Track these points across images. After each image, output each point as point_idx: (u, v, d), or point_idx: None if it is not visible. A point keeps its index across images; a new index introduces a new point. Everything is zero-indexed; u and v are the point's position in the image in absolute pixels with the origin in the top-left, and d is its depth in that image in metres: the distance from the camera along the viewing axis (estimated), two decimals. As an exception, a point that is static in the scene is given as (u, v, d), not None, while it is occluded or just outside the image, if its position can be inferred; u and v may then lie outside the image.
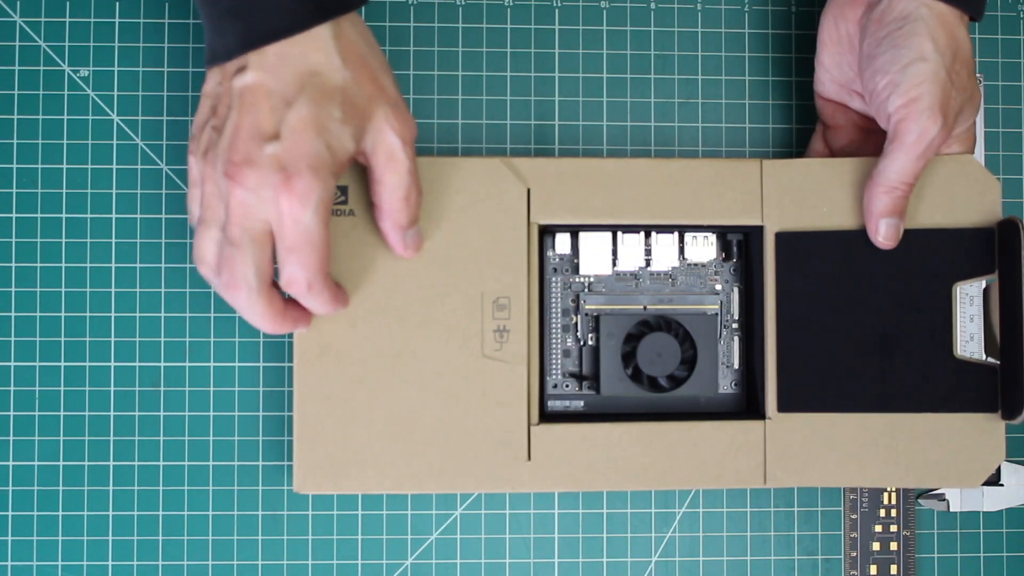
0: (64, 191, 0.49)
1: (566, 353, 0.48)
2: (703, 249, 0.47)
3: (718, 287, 0.48)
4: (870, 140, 0.47)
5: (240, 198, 0.37)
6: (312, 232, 0.37)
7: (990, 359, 0.46)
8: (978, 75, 0.52)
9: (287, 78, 0.37)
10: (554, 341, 0.48)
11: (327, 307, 0.41)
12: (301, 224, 0.37)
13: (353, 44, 0.38)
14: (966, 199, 0.44)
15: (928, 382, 0.44)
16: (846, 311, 0.44)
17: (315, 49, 0.37)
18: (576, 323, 0.48)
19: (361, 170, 0.43)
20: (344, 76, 0.38)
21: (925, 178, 0.44)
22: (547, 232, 0.47)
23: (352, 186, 0.43)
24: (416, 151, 0.41)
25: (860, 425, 0.44)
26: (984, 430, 0.44)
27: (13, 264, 0.49)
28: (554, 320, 0.48)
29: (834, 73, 0.47)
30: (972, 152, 0.45)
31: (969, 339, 0.46)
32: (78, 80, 0.49)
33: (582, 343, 0.48)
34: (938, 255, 0.44)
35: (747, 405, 0.48)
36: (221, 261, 0.38)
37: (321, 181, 0.37)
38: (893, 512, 0.51)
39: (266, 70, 0.37)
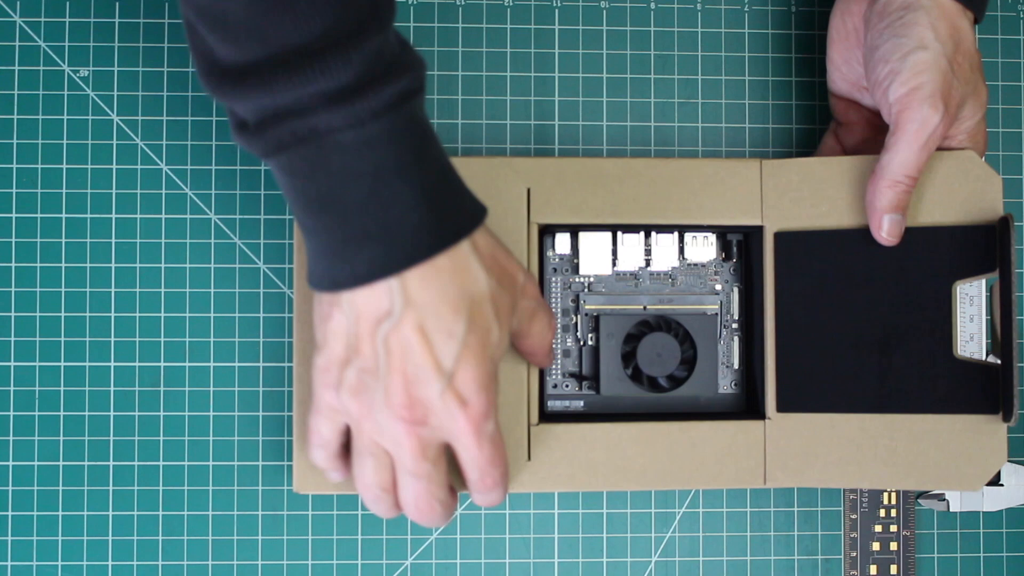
0: (64, 191, 0.49)
1: (566, 353, 0.48)
2: (703, 249, 0.47)
3: (718, 287, 0.48)
4: (882, 137, 0.47)
5: (418, 435, 0.37)
6: (497, 438, 0.38)
7: (991, 359, 0.45)
8: (978, 75, 0.52)
9: (442, 310, 0.35)
10: (554, 341, 0.48)
11: (502, 496, 0.40)
12: (486, 436, 0.37)
13: (485, 248, 0.37)
14: (966, 196, 0.43)
15: (928, 383, 0.43)
16: (845, 311, 0.44)
17: (460, 270, 0.35)
18: (576, 323, 0.48)
19: None
20: (489, 285, 0.37)
21: (925, 175, 0.43)
22: (547, 232, 0.47)
23: None
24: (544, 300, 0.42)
25: (859, 426, 0.44)
26: (985, 432, 0.43)
27: (13, 264, 0.49)
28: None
29: (844, 70, 0.47)
30: (984, 151, 0.45)
31: (969, 339, 0.45)
32: (78, 80, 0.49)
33: (582, 343, 0.48)
34: (938, 253, 0.43)
35: (747, 405, 0.48)
36: (404, 490, 0.38)
37: (494, 392, 0.37)
38: (893, 512, 0.51)
39: (417, 309, 0.35)
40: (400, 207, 0.34)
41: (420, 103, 0.35)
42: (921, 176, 0.43)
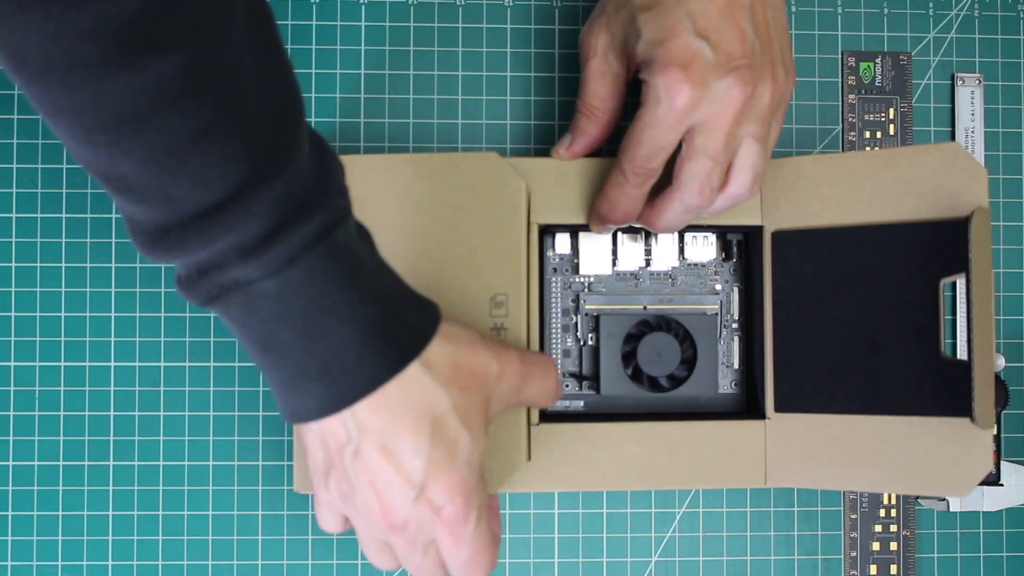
0: (64, 191, 0.49)
1: (566, 353, 0.48)
2: (703, 249, 0.47)
3: (718, 287, 0.48)
4: None
5: (404, 537, 0.37)
6: (479, 537, 0.37)
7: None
8: (977, 75, 0.52)
9: (400, 432, 0.35)
10: (554, 341, 0.48)
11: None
12: (465, 538, 0.37)
13: (441, 359, 0.36)
14: (952, 190, 0.42)
15: (914, 384, 0.42)
16: (837, 310, 0.44)
17: (411, 393, 0.35)
18: (576, 323, 0.48)
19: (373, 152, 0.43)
20: (450, 398, 0.35)
21: (909, 168, 0.42)
22: (547, 232, 0.47)
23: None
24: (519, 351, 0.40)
25: (850, 427, 0.43)
26: (970, 435, 0.41)
27: (13, 264, 0.49)
28: (554, 320, 0.48)
29: None
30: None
31: (952, 338, 0.44)
32: (78, 80, 0.49)
33: (582, 343, 0.48)
34: (924, 249, 0.42)
35: (747, 405, 0.48)
36: (407, 566, 0.39)
37: (473, 495, 0.36)
38: (893, 512, 0.51)
39: (373, 434, 0.35)
40: (335, 345, 0.33)
41: (343, 233, 0.33)
42: (906, 170, 0.42)
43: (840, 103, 0.52)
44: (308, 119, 0.49)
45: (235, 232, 0.31)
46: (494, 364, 0.38)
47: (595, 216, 0.43)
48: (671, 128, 0.39)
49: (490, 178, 0.44)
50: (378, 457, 0.35)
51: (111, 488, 0.49)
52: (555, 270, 0.48)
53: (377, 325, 0.34)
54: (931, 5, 0.52)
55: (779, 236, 0.45)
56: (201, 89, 0.29)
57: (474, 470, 0.37)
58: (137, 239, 0.33)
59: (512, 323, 0.43)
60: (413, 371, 0.35)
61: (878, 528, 0.51)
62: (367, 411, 0.34)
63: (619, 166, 0.41)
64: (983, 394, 0.39)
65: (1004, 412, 0.50)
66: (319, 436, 0.36)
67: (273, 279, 0.32)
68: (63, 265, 0.49)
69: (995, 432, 0.49)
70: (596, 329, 0.48)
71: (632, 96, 0.43)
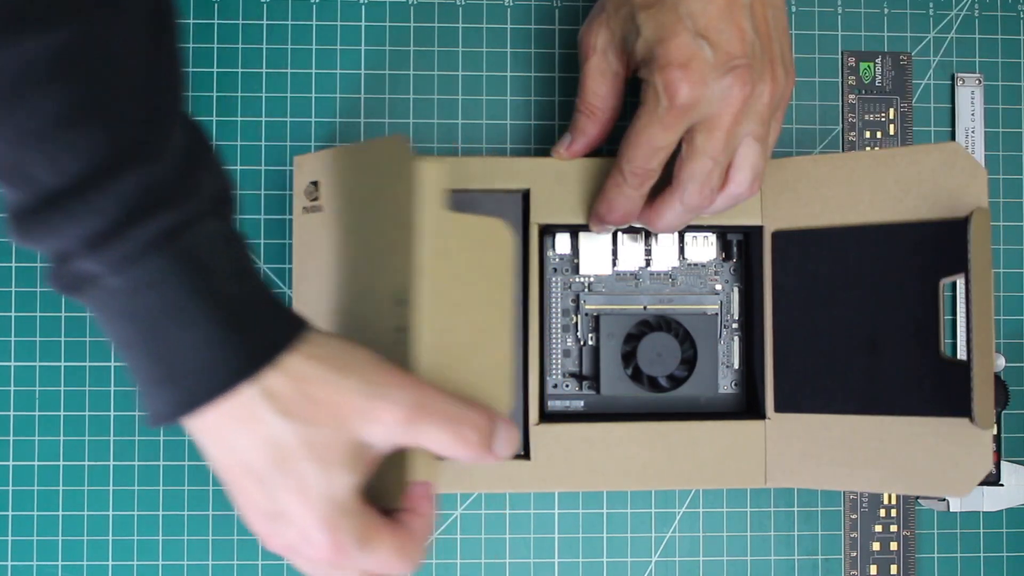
0: (64, 191, 0.49)
1: (566, 353, 0.48)
2: (703, 249, 0.47)
3: (718, 287, 0.48)
4: None
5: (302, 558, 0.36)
6: (377, 558, 0.35)
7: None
8: (977, 75, 0.52)
9: (241, 455, 0.34)
10: (554, 341, 0.48)
11: None
12: (354, 567, 0.35)
13: (288, 388, 0.33)
14: (952, 190, 0.42)
15: (914, 384, 0.42)
16: (837, 310, 0.44)
17: (244, 418, 0.33)
18: (576, 323, 0.48)
19: (331, 166, 0.42)
20: (289, 427, 0.33)
21: (909, 168, 0.42)
22: (547, 232, 0.47)
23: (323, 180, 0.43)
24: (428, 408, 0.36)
25: (850, 427, 0.43)
26: (970, 435, 0.41)
27: (13, 264, 0.49)
28: (554, 320, 0.48)
29: None
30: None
31: (952, 339, 0.43)
32: (78, 80, 0.49)
33: (582, 343, 0.48)
34: (923, 250, 0.42)
35: (747, 405, 0.48)
36: None
37: (341, 530, 0.34)
38: (893, 512, 0.51)
39: (218, 453, 0.34)
40: (179, 350, 0.32)
41: (196, 235, 0.32)
42: (906, 170, 0.42)
43: (840, 103, 0.52)
44: (308, 119, 0.49)
45: (79, 223, 0.30)
46: (361, 403, 0.34)
47: (594, 216, 0.43)
48: (670, 127, 0.39)
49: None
50: (229, 476, 0.34)
51: (111, 488, 0.49)
52: (555, 270, 0.48)
53: (224, 335, 0.32)
54: (931, 5, 0.52)
55: (779, 236, 0.45)
56: (75, 72, 0.29)
57: (337, 504, 0.34)
58: (7, 220, 0.32)
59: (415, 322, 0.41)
60: (249, 395, 0.33)
61: (878, 528, 0.51)
62: (208, 426, 0.33)
63: (618, 166, 0.41)
64: (982, 394, 0.39)
65: (1004, 412, 0.50)
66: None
67: (117, 276, 0.31)
68: (63, 265, 0.49)
69: (995, 432, 0.49)
70: (596, 329, 0.48)
71: (632, 95, 0.43)
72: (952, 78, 0.52)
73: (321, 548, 0.34)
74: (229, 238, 0.34)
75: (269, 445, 0.33)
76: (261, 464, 0.34)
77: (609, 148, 0.46)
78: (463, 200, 0.44)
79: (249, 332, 0.33)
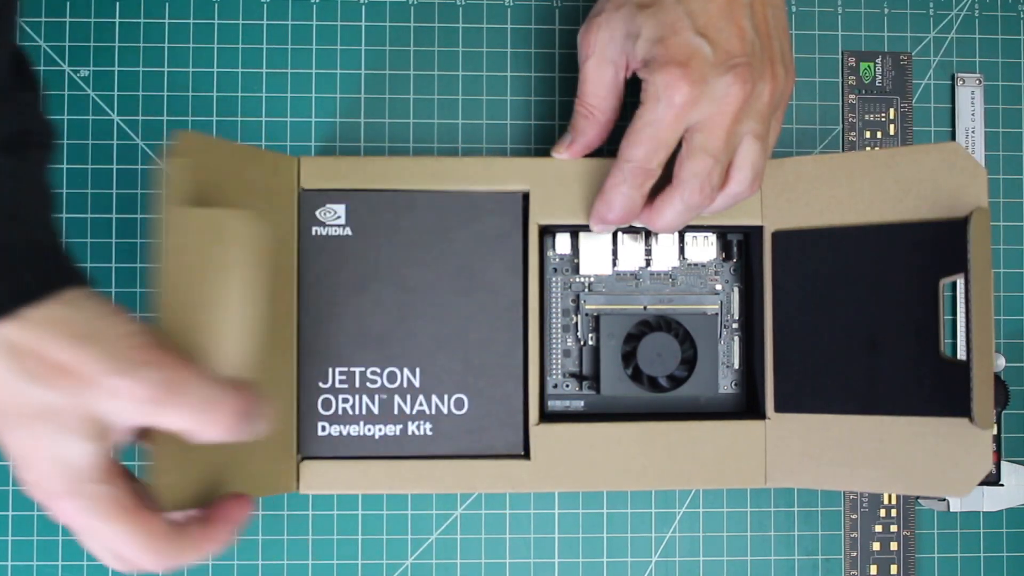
0: (64, 191, 0.49)
1: (566, 353, 0.48)
2: (703, 249, 0.47)
3: (718, 287, 0.48)
4: None
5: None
6: (122, 535, 0.34)
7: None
8: (978, 75, 0.52)
9: None
10: (554, 341, 0.48)
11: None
12: (90, 537, 0.34)
13: (26, 343, 0.32)
14: (951, 190, 0.42)
15: (914, 384, 0.42)
16: (837, 310, 0.44)
17: None
18: (576, 323, 0.48)
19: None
20: (26, 387, 0.32)
21: (909, 168, 0.42)
22: (547, 232, 0.47)
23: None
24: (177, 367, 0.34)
25: (850, 427, 0.43)
26: (970, 435, 0.41)
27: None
28: (554, 320, 0.48)
29: None
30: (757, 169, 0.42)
31: (952, 339, 0.43)
32: (78, 80, 0.49)
33: (582, 343, 0.48)
34: (923, 249, 0.42)
35: (747, 405, 0.48)
36: None
37: (79, 486, 0.33)
38: (893, 512, 0.51)
39: None
40: None
41: None
42: (906, 170, 0.42)
43: (840, 103, 0.52)
44: (308, 119, 0.49)
45: None
46: (100, 376, 0.32)
47: (594, 216, 0.43)
48: (670, 126, 0.39)
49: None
50: None
51: (111, 488, 0.49)
52: (555, 270, 0.48)
53: None
54: (931, 5, 0.52)
55: (779, 236, 0.45)
56: None
57: (74, 470, 0.33)
58: None
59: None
60: None
61: (878, 528, 0.51)
62: None
63: (618, 166, 0.41)
64: (982, 394, 0.39)
65: (1004, 412, 0.50)
66: None
67: None
68: (63, 265, 0.49)
69: (995, 432, 0.49)
70: (596, 329, 0.48)
71: (631, 95, 0.43)
72: (952, 78, 0.52)
73: (63, 513, 0.33)
74: (15, 177, 0.33)
75: (3, 394, 0.32)
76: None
77: (609, 148, 0.46)
78: (463, 200, 0.44)
79: (7, 277, 0.32)
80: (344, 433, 0.44)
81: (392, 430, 0.44)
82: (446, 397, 0.44)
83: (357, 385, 0.44)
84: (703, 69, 0.38)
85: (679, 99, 0.38)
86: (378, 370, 0.44)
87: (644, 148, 0.40)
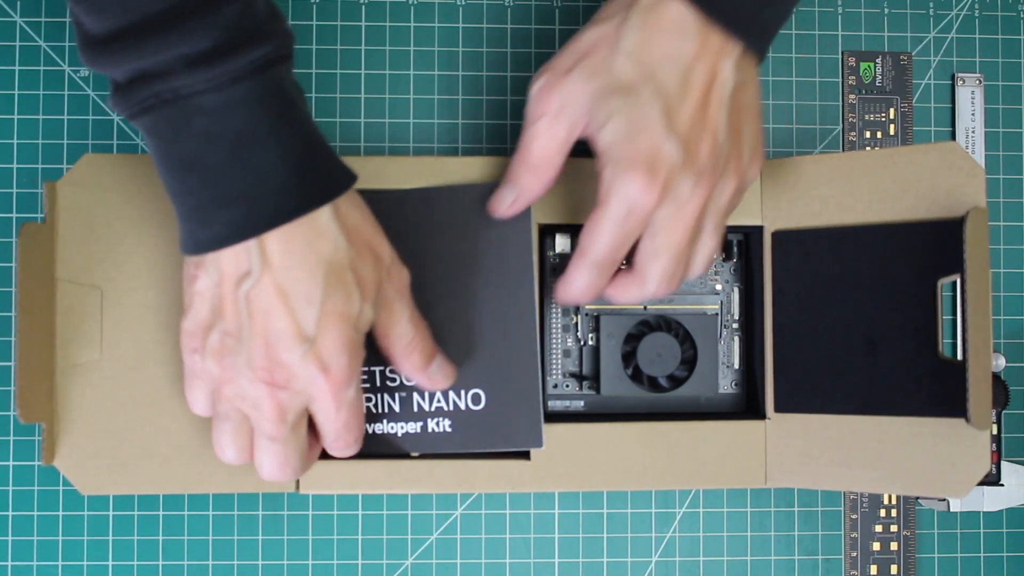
0: (64, 191, 0.49)
1: (566, 353, 0.48)
2: (703, 249, 0.47)
3: (718, 287, 0.48)
4: None
5: (279, 399, 0.37)
6: (356, 403, 0.39)
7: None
8: (978, 75, 0.52)
9: (300, 275, 0.36)
10: (554, 341, 0.48)
11: (355, 451, 0.42)
12: (345, 402, 0.38)
13: (349, 218, 0.38)
14: (949, 189, 0.42)
15: (913, 384, 0.42)
16: (836, 310, 0.44)
17: (319, 235, 0.36)
18: (576, 323, 0.48)
19: None
20: (351, 255, 0.37)
21: (907, 168, 0.42)
22: (547, 232, 0.47)
23: None
24: (411, 296, 0.41)
25: (849, 428, 0.43)
26: (969, 436, 0.41)
27: (14, 264, 0.49)
28: (554, 320, 0.48)
29: None
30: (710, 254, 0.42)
31: (951, 339, 0.43)
32: (78, 80, 0.49)
33: (582, 343, 0.48)
34: (921, 250, 0.42)
35: (747, 405, 0.48)
36: (260, 453, 0.39)
37: (356, 359, 0.38)
38: (893, 512, 0.51)
39: (274, 271, 0.36)
40: (260, 171, 0.35)
41: (284, 71, 0.36)
42: (904, 170, 0.42)
43: (840, 103, 0.52)
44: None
45: (188, 42, 0.33)
46: (389, 258, 0.39)
47: (557, 294, 0.42)
48: (633, 227, 0.39)
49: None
50: (275, 299, 0.36)
51: (111, 488, 0.49)
52: (555, 270, 0.48)
53: (301, 162, 0.35)
54: (931, 5, 0.52)
55: (779, 236, 0.45)
56: None
57: (360, 335, 0.38)
58: (85, 49, 0.34)
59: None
60: (324, 215, 0.36)
61: (878, 528, 0.51)
62: (275, 243, 0.35)
63: (580, 255, 0.40)
64: (979, 395, 0.39)
65: (1004, 412, 0.50)
66: (215, 273, 0.36)
67: (215, 94, 0.34)
68: (63, 265, 0.49)
69: (995, 432, 0.49)
70: (596, 329, 0.48)
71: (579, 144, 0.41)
72: (952, 78, 0.52)
73: (337, 374, 0.37)
74: (296, 85, 0.37)
75: (326, 263, 0.36)
76: (308, 284, 0.36)
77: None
78: (464, 199, 0.44)
79: (324, 166, 0.37)
80: (368, 431, 0.44)
81: (414, 427, 0.44)
82: (463, 393, 0.44)
83: (378, 384, 0.44)
84: (669, 174, 0.38)
85: (643, 204, 0.38)
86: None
87: (606, 244, 0.39)
